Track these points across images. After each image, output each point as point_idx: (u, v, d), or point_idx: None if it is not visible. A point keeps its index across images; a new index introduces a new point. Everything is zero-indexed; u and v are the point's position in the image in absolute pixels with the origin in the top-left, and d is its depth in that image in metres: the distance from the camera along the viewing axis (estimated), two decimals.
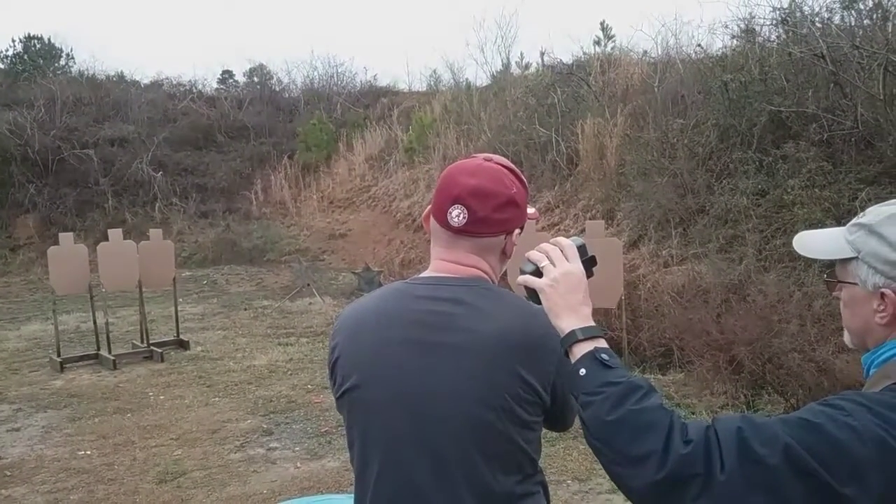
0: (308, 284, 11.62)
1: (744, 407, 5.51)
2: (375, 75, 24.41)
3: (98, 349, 8.14)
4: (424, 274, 1.49)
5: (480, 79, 18.00)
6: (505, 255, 1.48)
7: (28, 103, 17.42)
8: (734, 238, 7.64)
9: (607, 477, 1.15)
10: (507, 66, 16.32)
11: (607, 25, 13.48)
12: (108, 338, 8.17)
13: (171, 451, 5.36)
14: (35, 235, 15.46)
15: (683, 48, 11.58)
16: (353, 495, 1.54)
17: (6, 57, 21.85)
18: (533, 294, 1.31)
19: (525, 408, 1.35)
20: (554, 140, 11.09)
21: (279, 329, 9.39)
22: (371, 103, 19.46)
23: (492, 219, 1.40)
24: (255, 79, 22.36)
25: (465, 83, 17.00)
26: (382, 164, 16.19)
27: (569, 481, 4.62)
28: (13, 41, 22.13)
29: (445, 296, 1.40)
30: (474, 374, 1.34)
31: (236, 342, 8.79)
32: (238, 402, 6.50)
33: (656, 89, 10.33)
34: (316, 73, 21.61)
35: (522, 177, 1.49)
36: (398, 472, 1.38)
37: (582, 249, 1.34)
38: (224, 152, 18.08)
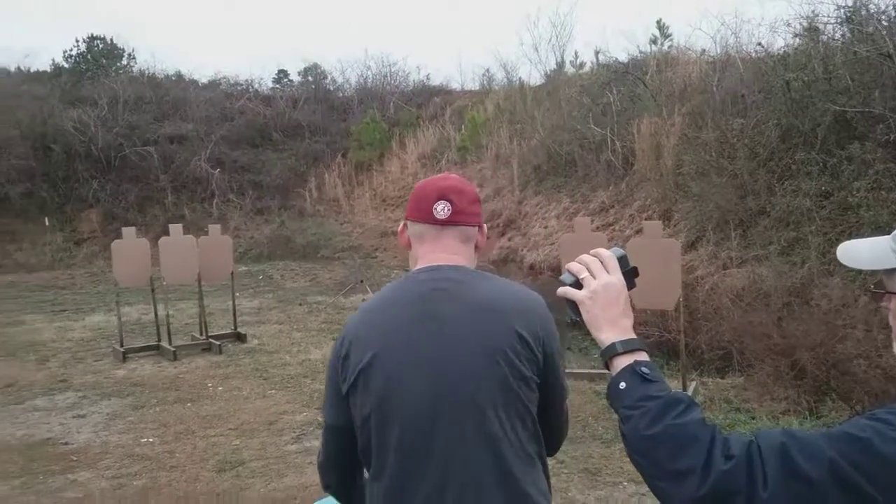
0: (361, 281, 11.74)
1: (806, 413, 5.39)
2: (428, 74, 24.50)
3: (159, 340, 8.35)
4: (419, 267, 1.63)
5: (534, 78, 17.90)
6: (478, 248, 1.69)
7: (92, 101, 17.98)
8: (796, 240, 7.45)
9: None
10: (561, 64, 16.20)
11: (664, 24, 13.29)
12: (168, 330, 8.37)
13: (230, 441, 5.47)
14: (98, 230, 15.96)
15: (744, 47, 11.34)
16: None
17: (71, 57, 22.50)
18: (573, 306, 1.32)
19: (524, 363, 1.49)
20: (609, 139, 10.98)
21: (333, 324, 9.49)
22: (424, 102, 19.57)
23: (469, 210, 1.64)
24: (310, 78, 22.64)
25: (518, 82, 16.94)
26: (435, 162, 16.26)
27: (625, 483, 4.57)
28: (77, 41, 22.75)
29: (443, 276, 1.57)
30: (477, 333, 1.49)
31: (292, 336, 8.93)
32: (294, 394, 6.60)
33: (715, 88, 10.14)
34: (370, 73, 21.82)
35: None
36: (419, 433, 1.48)
37: (623, 260, 1.34)
38: (279, 150, 18.39)
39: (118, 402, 6.56)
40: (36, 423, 6.03)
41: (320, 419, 5.88)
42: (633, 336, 1.26)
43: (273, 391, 6.72)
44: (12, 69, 21.73)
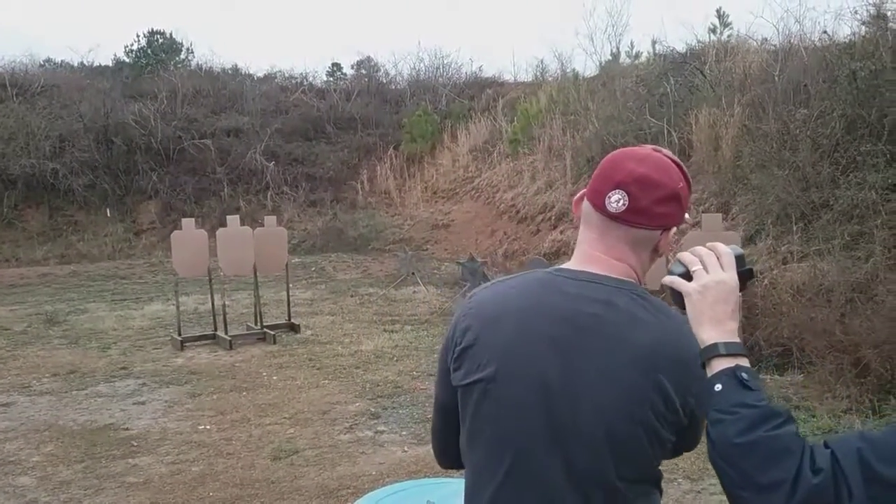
0: (412, 273, 11.78)
1: (869, 412, 5.24)
2: (481, 66, 24.50)
3: (216, 330, 8.51)
4: (572, 265, 1.42)
5: (589, 68, 17.68)
6: (657, 252, 1.41)
7: (152, 95, 18.39)
8: (861, 235, 7.22)
9: None
10: (616, 55, 15.98)
11: (724, 12, 13.00)
12: (224, 319, 8.52)
13: (285, 430, 5.56)
14: (157, 221, 16.34)
15: (807, 35, 10.99)
16: (458, 480, 1.55)
17: (131, 51, 23.03)
18: (678, 297, 1.26)
19: (664, 425, 1.32)
20: (665, 131, 10.80)
21: (384, 316, 9.56)
22: (476, 94, 19.51)
23: (652, 211, 1.34)
24: (363, 71, 22.79)
25: (572, 73, 16.76)
26: (486, 155, 16.22)
27: (680, 480, 4.51)
28: (138, 36, 23.28)
29: (596, 296, 1.34)
30: (620, 384, 1.30)
31: (344, 327, 9.01)
32: (346, 385, 6.66)
33: (777, 78, 9.86)
34: (422, 65, 21.85)
35: (688, 175, 1.42)
36: (530, 473, 1.35)
37: (739, 260, 1.26)
38: (332, 143, 18.57)
39: (176, 389, 6.71)
40: (98, 409, 6.20)
41: (373, 409, 5.95)
42: (738, 340, 1.19)
43: (326, 381, 6.80)
44: (76, 64, 22.39)
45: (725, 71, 11.29)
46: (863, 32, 9.64)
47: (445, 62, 21.63)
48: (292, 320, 8.99)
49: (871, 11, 9.67)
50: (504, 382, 1.35)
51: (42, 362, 7.75)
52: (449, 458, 1.57)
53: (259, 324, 8.73)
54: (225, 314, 8.57)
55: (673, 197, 1.35)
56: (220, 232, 8.60)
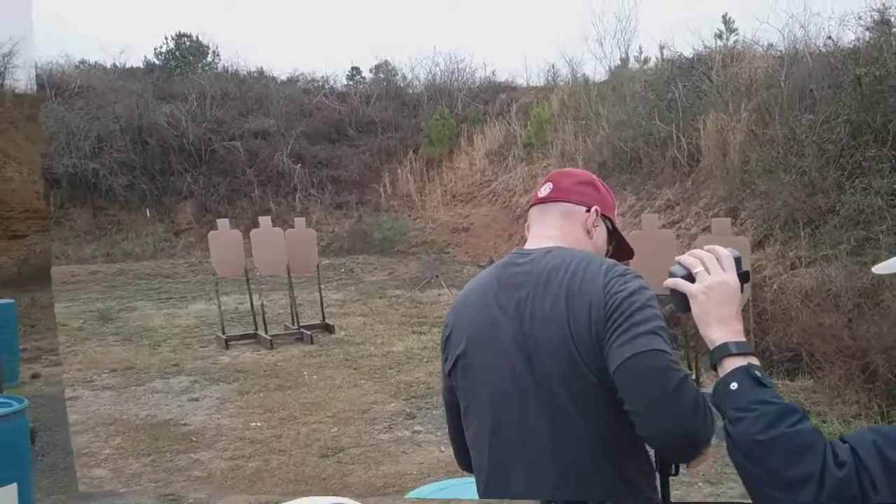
0: (436, 276, 12.16)
1: (878, 417, 5.35)
2: (494, 71, 24.57)
3: (256, 329, 8.95)
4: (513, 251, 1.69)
5: (598, 73, 17.87)
6: (588, 233, 1.63)
7: (182, 97, 18.76)
8: (867, 240, 7.37)
9: (740, 482, 1.16)
10: (625, 60, 16.17)
11: (730, 18, 13.28)
12: (263, 319, 8.94)
13: (329, 428, 5.94)
14: (193, 221, 16.77)
15: (812, 40, 11.14)
16: None
17: (161, 54, 23.43)
18: (680, 299, 1.30)
19: (594, 341, 1.41)
20: (674, 136, 11.04)
21: (412, 318, 9.96)
22: (490, 99, 19.63)
23: (573, 189, 1.65)
24: (381, 75, 23.05)
25: (582, 78, 17.01)
26: (501, 159, 16.47)
27: (700, 484, 4.57)
28: (166, 38, 23.63)
29: (526, 259, 1.57)
30: (551, 321, 1.46)
31: (375, 328, 9.44)
32: (382, 385, 7.05)
33: (783, 84, 10.01)
34: (438, 69, 21.94)
35: (608, 187, 1.75)
36: (510, 425, 1.50)
37: (737, 262, 1.31)
38: (355, 146, 18.86)
39: (226, 387, 7.14)
40: (156, 405, 6.62)
41: (408, 410, 6.30)
42: (745, 339, 1.23)
43: (363, 381, 7.21)
44: (108, 66, 22.78)
45: (732, 76, 11.47)
46: (867, 38, 9.77)
47: (460, 66, 21.82)
48: (326, 321, 9.41)
49: (876, 17, 9.86)
50: (473, 354, 1.56)
51: (100, 358, 8.25)
52: (462, 456, 1.72)
53: (296, 324, 9.14)
54: (264, 314, 8.97)
55: (589, 182, 1.69)
56: (254, 232, 9.06)
